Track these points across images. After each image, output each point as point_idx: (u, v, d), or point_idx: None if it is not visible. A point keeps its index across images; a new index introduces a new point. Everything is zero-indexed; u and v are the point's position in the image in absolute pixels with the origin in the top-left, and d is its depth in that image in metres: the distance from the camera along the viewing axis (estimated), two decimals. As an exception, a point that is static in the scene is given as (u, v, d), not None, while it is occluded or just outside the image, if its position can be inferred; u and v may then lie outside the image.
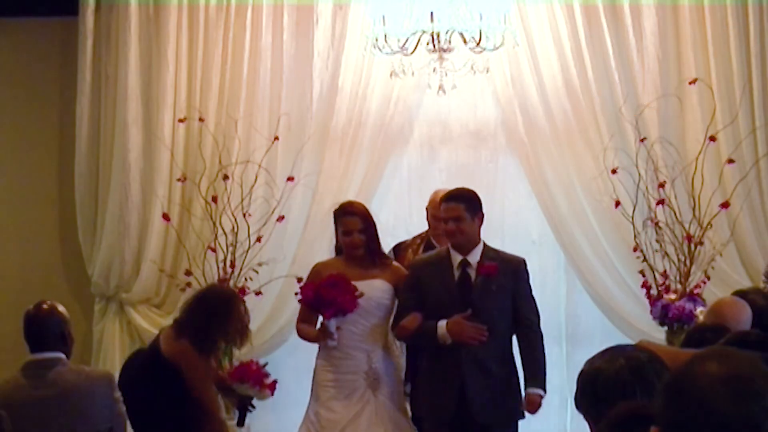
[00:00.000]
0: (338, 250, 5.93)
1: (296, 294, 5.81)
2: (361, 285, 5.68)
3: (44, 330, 4.90)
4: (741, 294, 4.99)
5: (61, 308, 5.02)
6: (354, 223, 5.77)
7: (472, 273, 5.68)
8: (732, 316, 4.43)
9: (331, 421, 5.69)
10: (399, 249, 6.45)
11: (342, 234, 5.80)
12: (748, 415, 1.88)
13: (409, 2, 6.45)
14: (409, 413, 5.88)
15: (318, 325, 5.76)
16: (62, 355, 4.92)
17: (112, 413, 4.87)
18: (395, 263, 5.95)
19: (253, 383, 5.83)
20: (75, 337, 5.11)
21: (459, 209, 5.64)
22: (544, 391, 5.67)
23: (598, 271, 6.93)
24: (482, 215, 5.74)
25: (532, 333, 5.72)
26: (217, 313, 5.51)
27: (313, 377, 5.87)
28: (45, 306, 5.05)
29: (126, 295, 7.18)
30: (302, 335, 5.93)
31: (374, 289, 5.70)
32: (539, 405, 5.66)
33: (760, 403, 1.89)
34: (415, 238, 6.45)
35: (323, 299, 5.57)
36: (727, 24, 6.85)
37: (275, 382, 5.83)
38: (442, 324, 5.59)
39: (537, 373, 5.68)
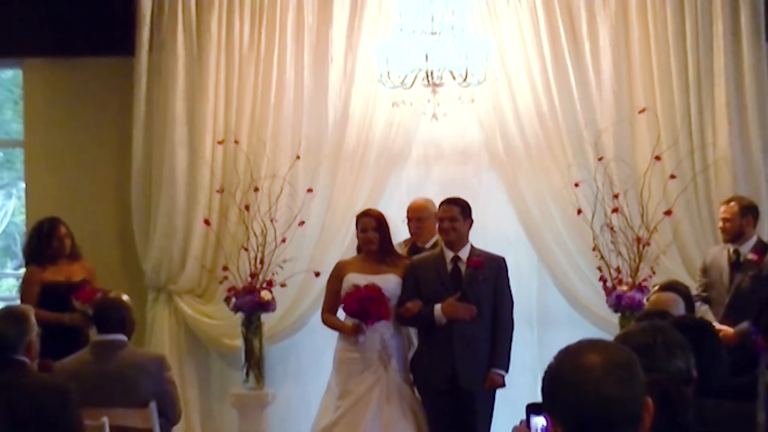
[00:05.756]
0: (358, 249, 6.01)
1: (342, 306, 5.84)
2: (377, 278, 5.75)
3: (109, 315, 4.97)
4: (671, 284, 5.11)
5: (125, 297, 5.06)
6: (369, 222, 5.87)
7: (462, 266, 5.78)
8: (673, 308, 4.56)
9: (349, 392, 5.75)
10: None
11: (360, 232, 5.90)
12: (631, 392, 1.89)
13: (408, 45, 6.45)
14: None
15: (344, 319, 5.85)
16: (124, 337, 4.98)
17: (159, 389, 4.91)
18: (405, 260, 5.99)
19: (84, 300, 6.10)
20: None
21: (455, 211, 5.76)
22: (507, 371, 5.74)
23: (564, 267, 6.93)
24: (472, 221, 5.84)
25: (504, 321, 5.79)
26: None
27: (335, 355, 5.92)
28: (112, 295, 5.11)
29: (174, 287, 7.18)
30: (329, 324, 5.96)
31: (387, 282, 5.77)
32: (498, 383, 5.73)
33: (638, 382, 1.90)
34: (401, 243, 6.47)
35: (368, 312, 5.63)
36: (670, 65, 6.87)
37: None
38: (437, 307, 5.69)
39: (501, 356, 5.74)
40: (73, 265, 6.40)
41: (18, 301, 6.39)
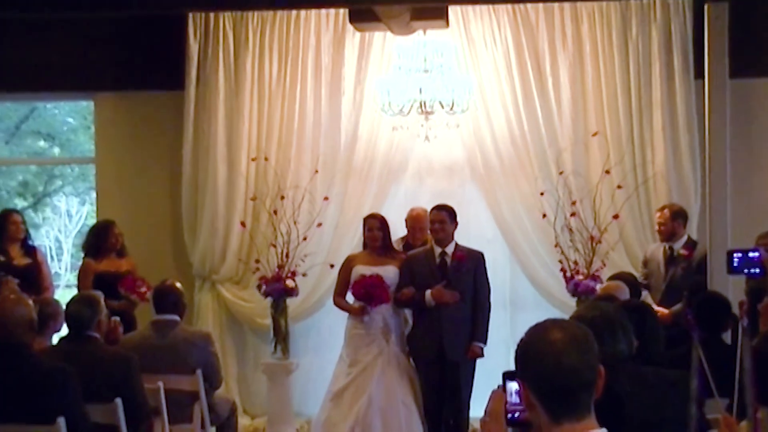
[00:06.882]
0: (364, 245, 6.01)
1: (350, 289, 5.86)
2: (379, 269, 5.76)
3: (165, 299, 4.97)
4: (622, 275, 5.12)
5: (178, 284, 5.07)
6: (374, 224, 5.90)
7: (448, 260, 5.77)
8: (619, 294, 4.56)
9: (358, 361, 5.76)
10: None
11: (366, 231, 5.91)
12: (588, 362, 1.89)
13: (405, 81, 6.49)
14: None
15: (352, 302, 5.86)
16: (177, 317, 4.98)
17: (205, 360, 4.91)
18: (401, 254, 5.99)
19: (126, 288, 6.04)
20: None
21: (443, 215, 5.78)
22: (485, 343, 5.74)
23: (532, 260, 6.91)
24: (457, 223, 5.84)
25: (482, 303, 5.78)
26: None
27: (345, 331, 5.92)
28: (167, 282, 5.10)
29: (216, 276, 7.17)
30: (340, 306, 5.97)
31: (388, 272, 5.78)
32: (478, 354, 5.72)
33: (593, 353, 1.91)
34: (398, 240, 6.48)
35: (372, 296, 5.63)
36: (617, 97, 6.86)
37: (146, 291, 5.96)
38: (428, 292, 5.69)
39: (480, 332, 5.74)
40: (121, 260, 6.38)
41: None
